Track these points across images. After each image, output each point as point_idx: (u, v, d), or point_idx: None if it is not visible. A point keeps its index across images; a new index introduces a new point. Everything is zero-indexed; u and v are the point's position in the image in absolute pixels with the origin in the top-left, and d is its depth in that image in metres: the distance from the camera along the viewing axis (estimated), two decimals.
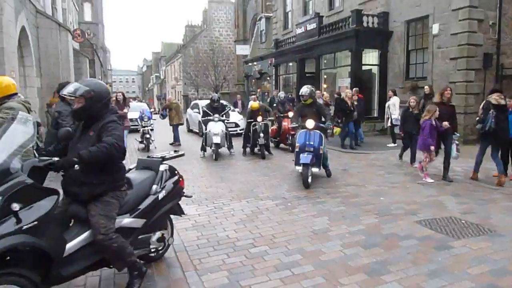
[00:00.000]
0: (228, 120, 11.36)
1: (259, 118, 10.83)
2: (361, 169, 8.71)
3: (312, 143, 7.15)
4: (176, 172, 4.02)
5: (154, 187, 3.64)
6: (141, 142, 12.63)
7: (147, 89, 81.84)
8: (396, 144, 11.62)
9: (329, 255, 4.09)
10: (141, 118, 12.80)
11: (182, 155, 4.27)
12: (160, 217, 3.74)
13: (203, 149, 11.10)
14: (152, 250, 3.71)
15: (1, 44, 9.12)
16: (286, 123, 11.23)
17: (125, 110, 10.43)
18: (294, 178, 7.86)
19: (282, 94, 13.80)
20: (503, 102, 6.88)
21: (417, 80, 13.41)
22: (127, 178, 3.53)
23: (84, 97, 3.08)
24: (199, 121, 14.59)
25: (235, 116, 16.44)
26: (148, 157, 4.18)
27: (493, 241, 4.34)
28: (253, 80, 28.39)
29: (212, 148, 10.48)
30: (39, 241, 2.65)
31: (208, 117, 10.91)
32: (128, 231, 3.36)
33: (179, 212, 4.16)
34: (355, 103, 11.68)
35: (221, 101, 11.81)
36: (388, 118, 11.83)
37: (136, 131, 14.02)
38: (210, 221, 5.35)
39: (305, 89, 7.69)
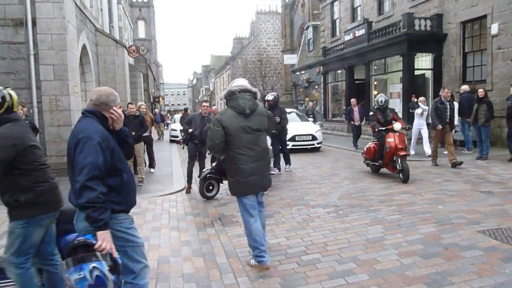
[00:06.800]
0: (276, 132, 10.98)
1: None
2: (416, 176, 8.35)
3: None
4: None
5: None
6: None
7: (197, 101, 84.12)
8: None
9: (384, 264, 3.93)
10: None
11: None
12: None
13: None
14: None
15: (66, 61, 9.80)
16: (391, 139, 7.90)
17: None
18: (346, 186, 7.69)
19: (382, 97, 8.58)
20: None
21: (475, 83, 12.73)
22: None
23: None
24: None
25: (310, 128, 13.53)
26: None
27: None
28: (301, 89, 28.33)
29: None
30: None
31: None
32: None
33: None
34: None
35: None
36: None
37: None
38: None
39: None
